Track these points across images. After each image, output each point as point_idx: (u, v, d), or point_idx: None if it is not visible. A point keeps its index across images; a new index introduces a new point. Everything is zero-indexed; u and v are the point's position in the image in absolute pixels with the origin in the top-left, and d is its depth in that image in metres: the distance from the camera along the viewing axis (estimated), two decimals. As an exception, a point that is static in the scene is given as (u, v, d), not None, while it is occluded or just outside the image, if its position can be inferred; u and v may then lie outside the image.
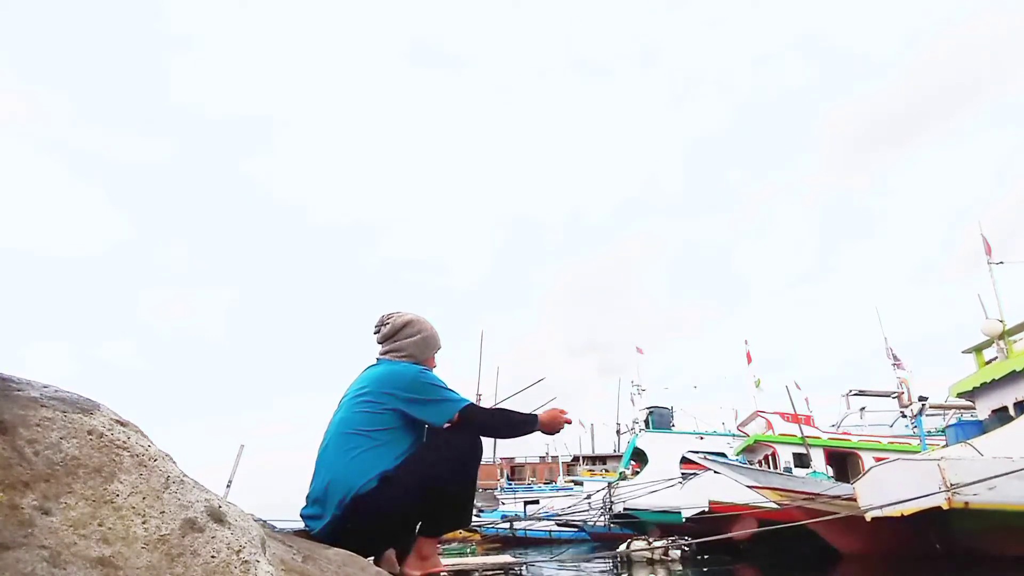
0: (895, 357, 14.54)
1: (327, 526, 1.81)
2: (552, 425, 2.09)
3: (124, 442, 0.97)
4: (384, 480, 1.83)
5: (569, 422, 2.12)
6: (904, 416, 16.43)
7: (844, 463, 14.80)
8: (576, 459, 39.22)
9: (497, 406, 2.24)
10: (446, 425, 1.96)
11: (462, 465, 1.91)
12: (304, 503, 1.92)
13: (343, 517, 1.80)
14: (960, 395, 10.69)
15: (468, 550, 14.42)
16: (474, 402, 2.02)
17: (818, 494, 9.67)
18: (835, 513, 8.10)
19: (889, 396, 17.05)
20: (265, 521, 1.56)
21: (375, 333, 2.21)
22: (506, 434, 2.13)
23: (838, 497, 9.31)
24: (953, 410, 15.95)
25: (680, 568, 10.09)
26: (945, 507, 6.99)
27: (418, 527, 1.96)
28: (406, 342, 2.14)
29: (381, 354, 2.17)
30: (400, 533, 1.94)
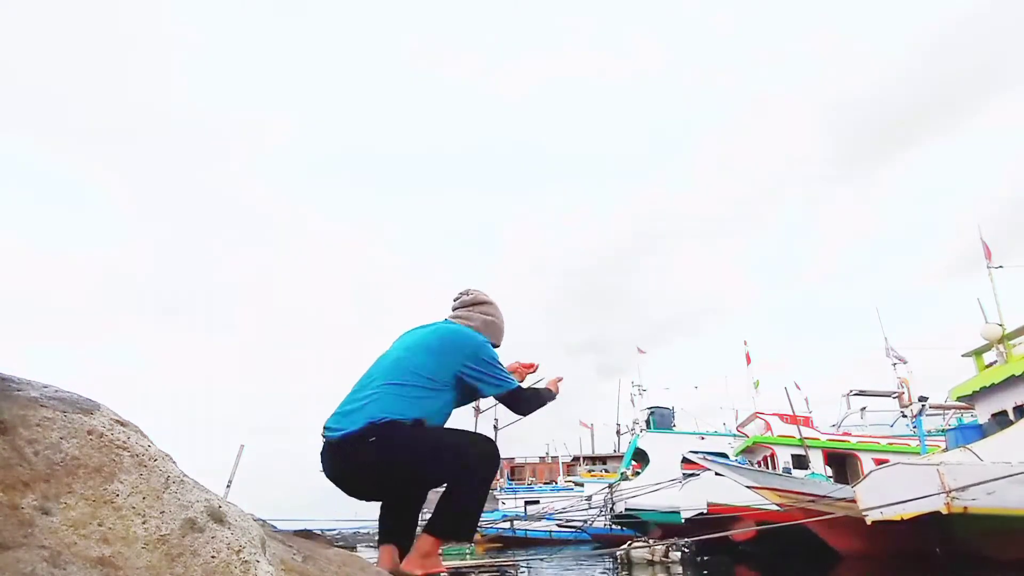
0: (897, 356, 14.40)
1: (349, 434, 1.78)
2: (557, 391, 2.32)
3: (124, 442, 0.98)
4: (419, 424, 1.84)
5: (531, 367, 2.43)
6: (904, 416, 16.38)
7: (843, 464, 14.78)
8: (576, 459, 39.18)
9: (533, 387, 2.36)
10: (492, 396, 2.08)
11: (488, 467, 1.87)
12: (330, 415, 1.90)
13: (368, 431, 1.78)
14: (960, 399, 10.68)
15: (468, 551, 14.40)
16: (520, 386, 2.18)
17: (817, 495, 9.67)
18: (834, 515, 8.11)
19: (889, 396, 16.99)
20: (265, 521, 1.56)
21: (455, 300, 2.30)
22: (536, 408, 2.27)
23: (837, 498, 9.30)
24: (952, 410, 15.92)
25: (680, 570, 10.08)
26: (944, 512, 6.98)
27: (422, 522, 1.94)
28: (478, 316, 2.21)
29: (451, 317, 2.23)
30: (403, 485, 1.95)
